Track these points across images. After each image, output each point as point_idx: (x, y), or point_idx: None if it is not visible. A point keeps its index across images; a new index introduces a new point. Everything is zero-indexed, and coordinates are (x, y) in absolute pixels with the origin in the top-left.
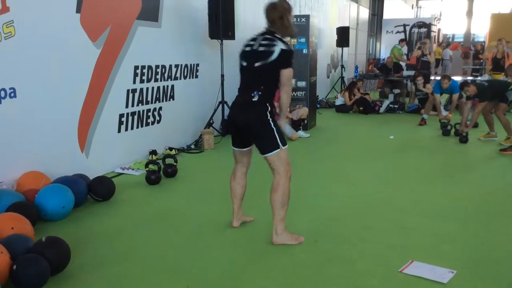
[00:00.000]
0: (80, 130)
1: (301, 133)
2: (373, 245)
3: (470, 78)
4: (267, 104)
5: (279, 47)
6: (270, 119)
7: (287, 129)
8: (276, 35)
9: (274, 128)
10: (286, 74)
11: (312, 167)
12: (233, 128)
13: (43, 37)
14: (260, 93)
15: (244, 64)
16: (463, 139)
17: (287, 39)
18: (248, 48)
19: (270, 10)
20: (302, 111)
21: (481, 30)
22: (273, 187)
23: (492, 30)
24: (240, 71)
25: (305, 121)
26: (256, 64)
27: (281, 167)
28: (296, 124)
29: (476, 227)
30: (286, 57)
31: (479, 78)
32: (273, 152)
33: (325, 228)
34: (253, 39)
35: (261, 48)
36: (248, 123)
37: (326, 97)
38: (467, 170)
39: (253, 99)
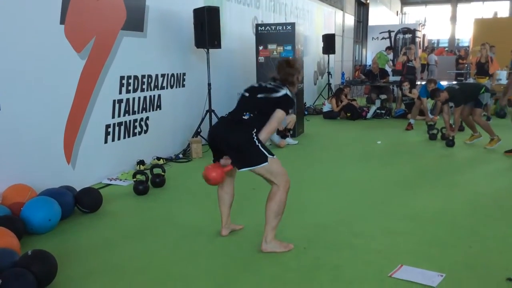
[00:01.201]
0: (66, 141)
1: (289, 140)
2: (362, 251)
3: (454, 82)
4: (254, 127)
5: (285, 91)
6: (255, 137)
7: (274, 137)
8: (286, 86)
9: (259, 144)
10: (280, 113)
11: (301, 174)
12: (212, 145)
13: (27, 49)
14: (251, 115)
15: (246, 94)
16: (450, 143)
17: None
18: (257, 85)
19: (284, 66)
20: (290, 118)
21: (465, 35)
22: (270, 196)
23: (475, 35)
24: (238, 100)
25: (291, 131)
26: (259, 96)
27: (278, 178)
28: (283, 133)
29: (464, 231)
30: (287, 102)
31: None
32: (261, 165)
33: (314, 235)
34: (265, 82)
35: (269, 86)
36: (232, 142)
37: (313, 104)
38: (454, 174)
39: (243, 117)
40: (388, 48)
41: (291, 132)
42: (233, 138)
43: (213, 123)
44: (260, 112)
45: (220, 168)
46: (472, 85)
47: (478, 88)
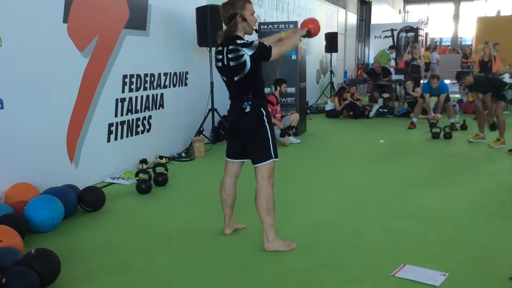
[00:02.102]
0: (69, 140)
1: (292, 139)
2: (365, 250)
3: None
4: (261, 109)
5: (246, 54)
6: (268, 126)
7: (278, 135)
8: (238, 41)
9: (270, 138)
10: (273, 57)
11: (303, 172)
12: (232, 133)
13: (30, 47)
14: (250, 102)
15: (224, 79)
16: (447, 135)
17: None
18: (219, 64)
19: (223, 10)
20: (293, 117)
21: (468, 34)
22: (256, 194)
23: (478, 33)
24: (225, 83)
25: (293, 130)
26: (236, 78)
27: (264, 173)
28: (285, 131)
29: (467, 230)
30: (261, 54)
31: None
32: (266, 163)
33: (317, 234)
34: (219, 52)
35: (232, 63)
36: (246, 130)
37: (316, 102)
38: (457, 173)
39: (246, 110)
40: (391, 47)
41: (293, 130)
42: (247, 131)
43: (215, 122)
44: (254, 90)
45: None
46: (498, 80)
47: (503, 84)
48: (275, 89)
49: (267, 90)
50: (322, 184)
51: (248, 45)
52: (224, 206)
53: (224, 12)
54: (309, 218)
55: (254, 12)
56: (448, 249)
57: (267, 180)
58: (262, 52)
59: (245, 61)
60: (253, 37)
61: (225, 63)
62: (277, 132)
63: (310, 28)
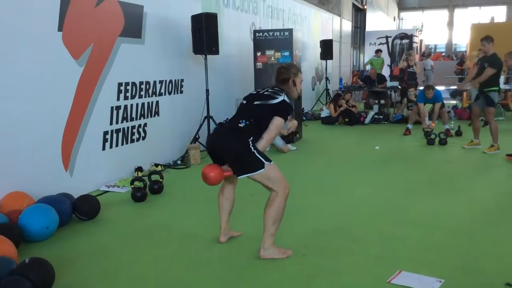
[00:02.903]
0: (64, 148)
1: (288, 146)
2: (361, 256)
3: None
4: (250, 135)
5: (282, 97)
6: (251, 144)
7: (278, 141)
8: (284, 91)
9: (255, 151)
10: (278, 121)
11: (299, 179)
12: (211, 153)
13: (25, 56)
14: (248, 123)
15: (244, 102)
16: (443, 141)
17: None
18: (255, 92)
19: (282, 71)
20: (291, 124)
21: (462, 40)
22: (268, 202)
23: (472, 40)
24: (238, 108)
25: (297, 135)
26: (256, 102)
27: (276, 185)
28: (288, 137)
29: (463, 236)
30: (285, 108)
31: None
32: (258, 172)
33: (313, 241)
34: (263, 89)
35: (267, 93)
36: (228, 150)
37: (311, 109)
38: (453, 179)
39: (239, 125)
40: (377, 51)
41: (297, 135)
42: (230, 146)
43: (211, 129)
44: (257, 119)
45: (219, 169)
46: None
47: (495, 82)
48: None
49: None
50: (318, 191)
51: (289, 99)
52: (221, 211)
53: (278, 75)
54: (305, 225)
55: (302, 81)
56: (444, 256)
57: (282, 191)
58: (289, 109)
59: (277, 98)
60: None
61: (261, 92)
62: (279, 138)
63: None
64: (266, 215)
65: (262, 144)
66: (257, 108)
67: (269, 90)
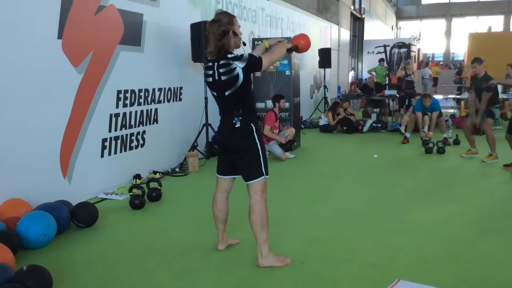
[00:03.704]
0: (62, 155)
1: (286, 154)
2: (359, 265)
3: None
4: (251, 124)
5: (238, 67)
6: (258, 142)
7: (276, 149)
8: (228, 55)
9: (261, 155)
10: (264, 67)
11: (297, 187)
12: (222, 149)
13: (25, 63)
14: (240, 118)
15: (215, 94)
16: (441, 150)
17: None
18: (210, 79)
19: (211, 27)
20: (289, 132)
21: (460, 49)
22: (250, 210)
23: (470, 49)
24: (214, 99)
25: (295, 143)
26: (227, 93)
27: (257, 188)
28: (286, 145)
29: (460, 245)
30: (252, 65)
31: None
32: (257, 180)
33: (311, 250)
34: (209, 67)
35: (224, 77)
36: (236, 146)
37: (310, 117)
38: (451, 188)
39: (236, 126)
40: (381, 60)
41: (295, 143)
42: (238, 147)
43: (209, 137)
44: (243, 105)
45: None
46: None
47: (495, 100)
48: (274, 105)
49: (261, 105)
50: (316, 199)
51: (239, 58)
52: (216, 222)
53: (214, 30)
54: (303, 234)
55: (240, 26)
56: (441, 265)
57: (260, 196)
58: (253, 63)
59: (237, 74)
60: (241, 51)
61: (217, 78)
62: (277, 146)
63: (297, 45)
64: (251, 223)
65: (267, 60)
66: (234, 97)
67: (221, 71)
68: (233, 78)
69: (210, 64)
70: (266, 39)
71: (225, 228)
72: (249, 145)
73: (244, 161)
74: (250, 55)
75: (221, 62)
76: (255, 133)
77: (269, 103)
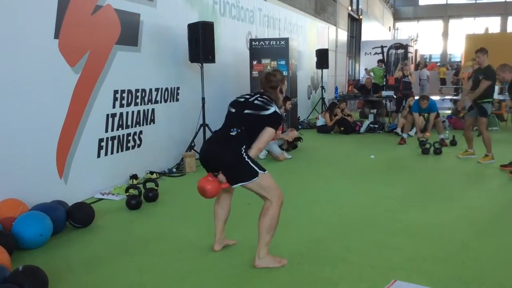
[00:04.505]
0: (59, 155)
1: (285, 155)
2: (356, 266)
3: (448, 97)
4: (243, 143)
5: (274, 108)
6: (244, 153)
7: (275, 149)
8: (273, 100)
9: (249, 160)
10: (270, 131)
11: (294, 188)
12: (204, 163)
13: (21, 63)
14: (239, 130)
15: (233, 110)
16: (437, 151)
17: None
18: (242, 99)
19: (272, 79)
20: (292, 134)
21: (457, 50)
22: (262, 211)
23: (467, 50)
24: (226, 116)
25: (301, 140)
26: (246, 111)
27: (270, 193)
28: (293, 143)
29: (457, 246)
30: (276, 119)
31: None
32: (252, 181)
33: (308, 250)
34: (249, 94)
35: (257, 102)
36: (221, 159)
37: (307, 118)
38: (448, 188)
39: (231, 133)
40: (379, 61)
41: (301, 140)
42: (223, 155)
43: (207, 137)
44: (248, 127)
45: (216, 181)
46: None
47: (490, 94)
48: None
49: None
50: (313, 200)
51: (279, 109)
52: (216, 220)
53: (268, 82)
54: (300, 234)
55: (286, 89)
56: (438, 265)
57: (276, 200)
58: (280, 120)
59: (269, 109)
60: None
61: (250, 100)
62: (276, 146)
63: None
64: (260, 224)
65: (252, 153)
66: (249, 117)
67: (259, 99)
68: (263, 107)
69: (253, 94)
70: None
71: (223, 228)
72: (235, 155)
73: (232, 169)
74: (282, 119)
75: (265, 97)
76: (242, 149)
77: None
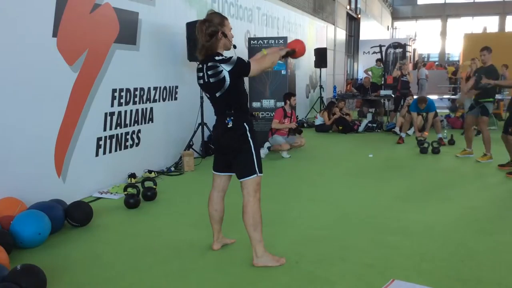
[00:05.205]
0: (57, 154)
1: (284, 154)
2: (354, 265)
3: (446, 96)
4: (244, 124)
5: (225, 70)
6: (251, 141)
7: (279, 139)
8: (216, 57)
9: (254, 153)
10: (252, 73)
11: (293, 187)
12: (217, 147)
13: (20, 61)
14: (232, 118)
15: (207, 95)
16: (436, 150)
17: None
18: (201, 81)
19: (201, 27)
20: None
21: (455, 50)
22: (243, 209)
23: (465, 49)
24: (208, 99)
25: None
26: (217, 94)
27: (250, 190)
28: (297, 130)
29: (456, 245)
30: (239, 69)
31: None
32: (250, 178)
33: (306, 249)
34: (200, 69)
35: (212, 79)
36: (229, 145)
37: (305, 117)
38: (446, 187)
39: (228, 126)
40: (378, 61)
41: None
42: (230, 147)
43: (205, 136)
44: (235, 105)
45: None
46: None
47: (492, 93)
48: (285, 102)
49: (257, 104)
50: (312, 199)
51: (227, 60)
52: (212, 221)
53: (203, 29)
54: (298, 233)
55: (231, 28)
56: (436, 264)
57: (253, 195)
58: (241, 67)
59: (224, 77)
60: (231, 53)
61: (206, 80)
62: (280, 138)
63: (295, 48)
64: (245, 224)
65: (262, 64)
66: (225, 98)
67: (209, 73)
68: (220, 80)
69: (200, 66)
70: (266, 47)
71: (220, 228)
72: (241, 144)
73: (238, 159)
74: (239, 58)
75: (209, 64)
76: (248, 132)
77: (265, 103)
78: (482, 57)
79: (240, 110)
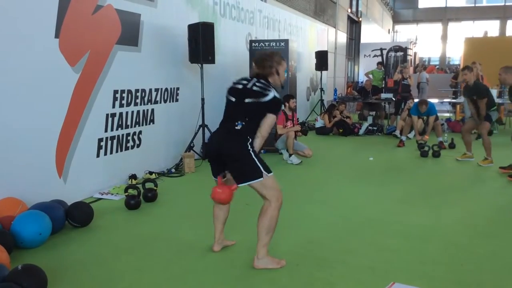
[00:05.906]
0: (58, 155)
1: (293, 159)
2: (355, 268)
3: (447, 100)
4: (248, 137)
5: (273, 93)
6: (251, 150)
7: (299, 147)
8: (271, 83)
9: (255, 158)
10: (271, 118)
11: (293, 190)
12: (210, 158)
13: (22, 62)
14: (243, 123)
15: (233, 99)
16: (436, 154)
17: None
18: (240, 86)
19: (265, 61)
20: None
21: (456, 54)
22: (261, 212)
23: (466, 53)
24: (226, 105)
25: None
26: (247, 100)
27: (270, 193)
28: (302, 132)
29: (456, 249)
30: (276, 105)
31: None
32: (257, 180)
33: (306, 252)
34: (246, 79)
35: (255, 88)
36: (227, 152)
37: (306, 119)
38: (447, 191)
39: (236, 127)
40: (379, 64)
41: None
42: (229, 151)
43: (206, 137)
44: (251, 118)
45: (226, 188)
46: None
47: (491, 104)
48: (284, 105)
49: None
50: (312, 202)
51: (277, 92)
52: (215, 221)
53: (261, 65)
54: (299, 236)
55: (286, 69)
56: (437, 268)
57: (274, 202)
58: (280, 105)
59: (268, 94)
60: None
61: (249, 87)
62: (297, 142)
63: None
64: (259, 224)
65: (258, 143)
66: (249, 106)
67: (257, 84)
68: (263, 93)
69: (250, 78)
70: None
71: (223, 229)
72: (242, 149)
73: (238, 165)
74: (282, 103)
75: (262, 81)
76: (249, 144)
77: None
78: (464, 77)
79: (251, 125)
